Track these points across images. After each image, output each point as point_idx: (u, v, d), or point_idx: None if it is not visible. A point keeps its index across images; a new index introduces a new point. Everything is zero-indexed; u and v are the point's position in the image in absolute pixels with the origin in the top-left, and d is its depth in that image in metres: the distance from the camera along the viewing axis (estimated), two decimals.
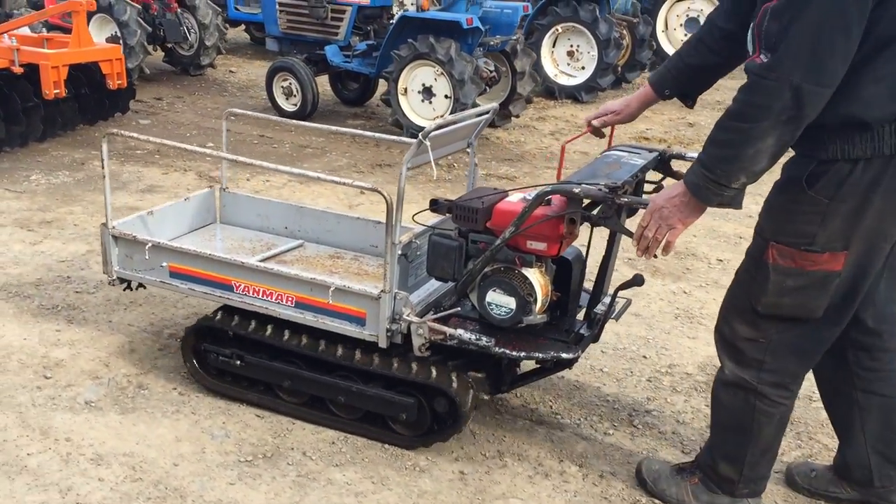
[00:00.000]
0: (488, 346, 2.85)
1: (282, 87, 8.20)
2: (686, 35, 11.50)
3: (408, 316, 2.95)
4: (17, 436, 2.99)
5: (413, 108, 7.50)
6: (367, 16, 8.26)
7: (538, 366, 3.11)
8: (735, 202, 2.38)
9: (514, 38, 7.88)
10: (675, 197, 2.42)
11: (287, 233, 3.98)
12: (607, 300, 3.02)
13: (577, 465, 2.98)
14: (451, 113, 7.22)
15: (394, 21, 7.73)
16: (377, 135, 3.80)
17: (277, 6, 8.42)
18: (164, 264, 3.38)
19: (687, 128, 8.55)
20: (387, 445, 3.04)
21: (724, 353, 2.60)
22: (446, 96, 7.26)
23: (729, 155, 2.26)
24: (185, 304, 4.05)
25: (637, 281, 2.78)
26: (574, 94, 9.59)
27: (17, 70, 6.34)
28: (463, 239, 2.94)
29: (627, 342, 3.84)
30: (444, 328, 2.92)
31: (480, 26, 7.17)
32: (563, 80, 9.69)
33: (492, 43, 7.64)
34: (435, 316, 2.95)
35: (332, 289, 3.06)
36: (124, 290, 3.55)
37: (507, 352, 2.87)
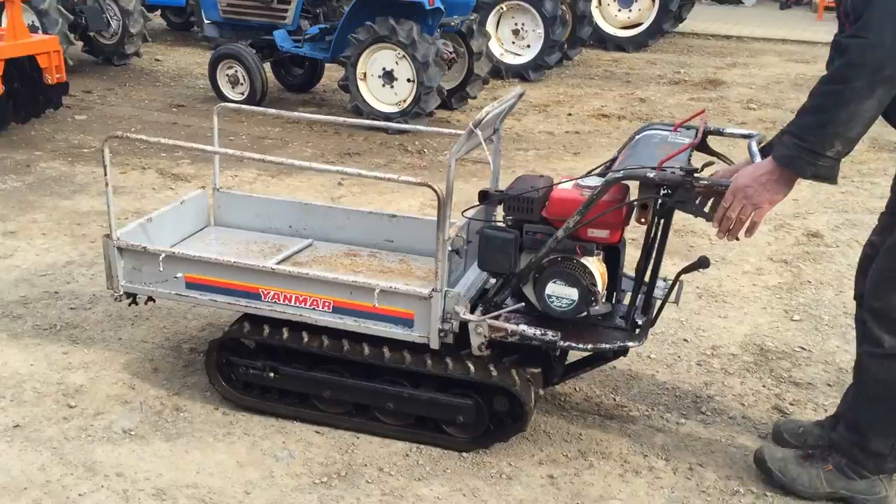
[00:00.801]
0: (554, 340, 2.71)
1: (227, 75, 7.80)
2: (619, 10, 11.54)
3: (464, 314, 2.76)
4: (60, 475, 2.69)
5: (373, 93, 7.22)
6: None
7: (588, 356, 2.96)
8: (831, 174, 2.28)
9: (472, 17, 7.69)
10: (762, 174, 2.33)
11: (292, 232, 3.72)
12: (660, 283, 2.92)
13: (663, 459, 2.87)
14: (414, 97, 7.02)
15: (347, 3, 7.44)
16: (420, 127, 3.55)
17: None
18: (180, 275, 3.09)
19: (639, 103, 8.54)
20: (464, 454, 2.87)
21: (880, 328, 2.50)
22: (409, 80, 7.02)
23: (822, 120, 2.20)
24: (195, 315, 3.76)
25: (703, 263, 2.66)
26: (521, 73, 9.47)
27: None
28: (517, 230, 2.76)
29: (663, 326, 3.74)
30: (506, 325, 2.76)
31: (441, 7, 6.95)
32: (510, 60, 9.55)
33: (452, 24, 7.43)
34: (496, 313, 2.76)
35: (377, 291, 2.84)
36: (129, 304, 3.23)
37: (573, 344, 2.75)
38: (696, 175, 2.45)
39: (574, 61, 10.57)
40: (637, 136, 2.98)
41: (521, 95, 3.29)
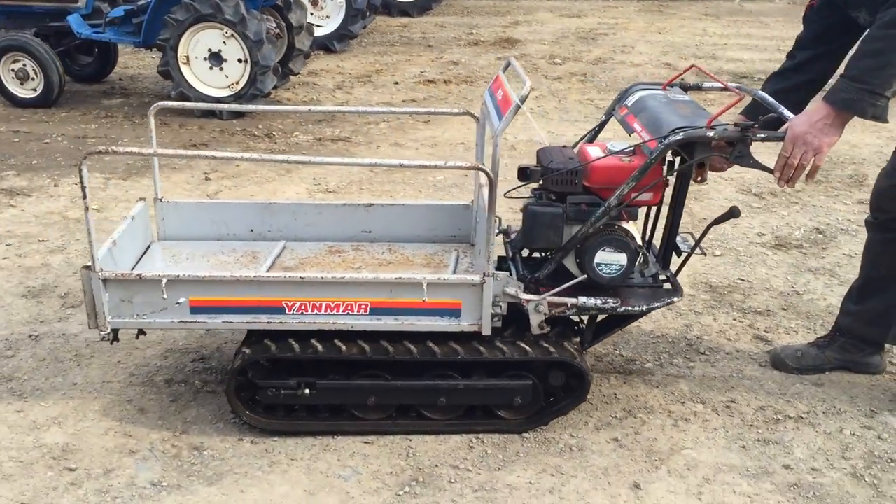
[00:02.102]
0: (615, 307, 2.80)
1: (12, 70, 6.85)
2: None
3: (519, 294, 2.77)
4: None
5: (199, 78, 6.70)
6: None
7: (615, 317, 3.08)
8: (884, 114, 2.57)
9: None
10: (818, 120, 2.56)
11: (254, 236, 3.46)
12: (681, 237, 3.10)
13: (700, 402, 3.07)
14: (249, 78, 6.62)
15: None
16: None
17: None
18: (183, 300, 2.78)
19: (454, 66, 8.70)
20: (525, 435, 2.88)
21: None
22: (240, 60, 6.60)
23: (881, 63, 2.48)
24: (147, 343, 3.37)
25: (734, 213, 2.87)
26: (325, 45, 9.25)
27: None
28: (561, 203, 2.80)
29: None
30: (566, 300, 2.79)
31: None
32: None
33: None
34: (559, 289, 2.80)
35: (426, 284, 2.75)
36: (112, 343, 2.86)
37: (630, 309, 2.84)
38: (753, 129, 2.62)
39: (367, 29, 10.50)
40: (631, 98, 3.06)
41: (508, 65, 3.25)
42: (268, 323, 2.81)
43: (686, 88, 3.14)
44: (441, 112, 3.41)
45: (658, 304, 2.87)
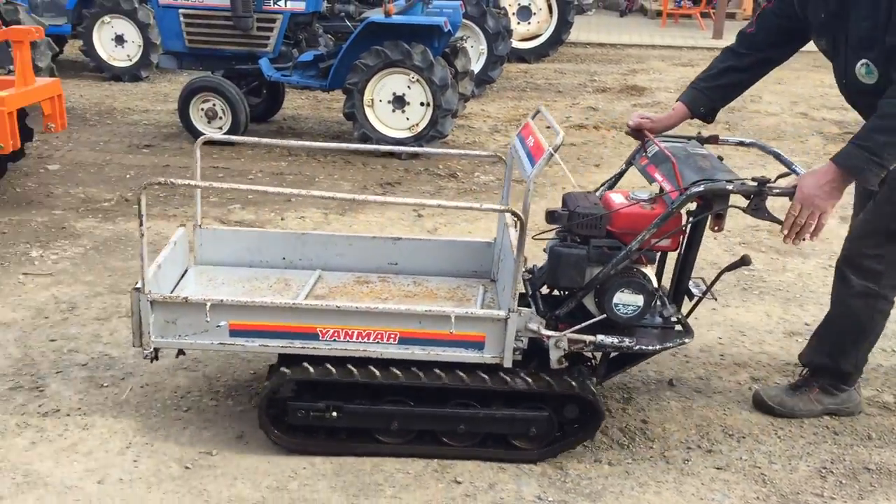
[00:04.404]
0: (631, 346, 2.97)
1: (201, 109, 7.08)
2: (519, 23, 11.78)
3: (541, 330, 2.93)
4: None
5: (381, 120, 6.94)
6: (299, 23, 7.45)
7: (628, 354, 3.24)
8: (879, 181, 2.75)
9: (461, 37, 7.62)
10: (826, 182, 2.74)
11: (286, 264, 3.63)
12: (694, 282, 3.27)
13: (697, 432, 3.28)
14: (430, 121, 6.90)
15: (356, 27, 7.08)
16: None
17: (181, 17, 7.21)
18: (224, 323, 2.95)
19: (594, 112, 8.78)
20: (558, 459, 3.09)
21: (852, 271, 3.12)
22: (422, 103, 6.85)
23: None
24: (174, 367, 3.53)
25: (745, 261, 3.05)
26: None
27: None
28: (586, 246, 2.98)
29: None
30: (585, 337, 2.96)
31: (451, 30, 6.87)
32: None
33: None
34: (579, 327, 2.96)
35: (454, 317, 2.93)
36: (152, 361, 3.04)
37: (644, 348, 3.01)
38: (769, 185, 2.81)
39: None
40: (651, 149, 3.23)
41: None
42: (302, 348, 2.98)
43: (703, 141, 3.33)
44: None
45: (670, 345, 3.04)
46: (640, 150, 3.35)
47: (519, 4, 11.80)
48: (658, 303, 3.06)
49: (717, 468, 3.07)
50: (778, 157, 3.14)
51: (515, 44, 11.45)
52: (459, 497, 2.87)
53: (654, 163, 3.18)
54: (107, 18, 9.61)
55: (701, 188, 2.83)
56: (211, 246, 3.60)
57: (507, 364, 2.97)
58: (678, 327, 3.14)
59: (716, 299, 3.41)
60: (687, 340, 3.08)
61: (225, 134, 6.96)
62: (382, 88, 6.89)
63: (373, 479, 2.93)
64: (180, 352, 3.16)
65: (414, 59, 6.69)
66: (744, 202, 2.90)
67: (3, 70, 6.73)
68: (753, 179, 2.84)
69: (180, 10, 7.21)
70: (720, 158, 3.12)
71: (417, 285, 3.54)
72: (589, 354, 3.22)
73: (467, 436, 3.07)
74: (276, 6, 7.15)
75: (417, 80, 6.81)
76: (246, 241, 3.62)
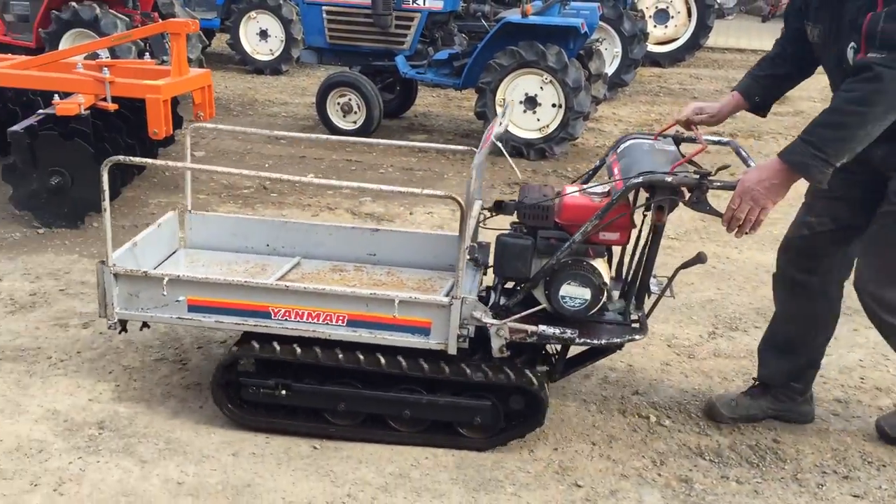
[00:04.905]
0: (573, 338, 2.94)
1: (338, 103, 7.42)
2: (655, 26, 11.61)
3: (483, 318, 2.94)
4: None
5: (512, 120, 6.93)
6: (436, 22, 7.66)
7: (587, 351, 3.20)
8: (826, 179, 2.62)
9: (596, 39, 7.64)
10: (767, 178, 2.64)
11: (269, 251, 3.75)
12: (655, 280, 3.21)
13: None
14: (561, 122, 6.92)
15: (492, 27, 7.21)
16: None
17: (324, 14, 7.55)
18: (182, 298, 3.08)
19: (734, 117, 8.42)
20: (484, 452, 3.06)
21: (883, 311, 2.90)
22: (554, 105, 6.89)
23: (843, 136, 2.52)
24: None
25: (701, 259, 2.96)
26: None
27: (110, 106, 5.17)
28: (532, 237, 2.97)
29: None
30: (527, 327, 2.95)
31: (588, 31, 6.96)
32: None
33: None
34: (518, 315, 2.96)
35: (397, 301, 2.97)
36: (119, 332, 3.20)
37: (588, 341, 2.98)
38: (709, 178, 2.74)
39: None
40: (622, 145, 3.22)
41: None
42: (254, 326, 3.08)
43: (679, 141, 3.27)
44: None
45: (618, 340, 2.99)
46: (614, 147, 3.32)
47: (657, 7, 11.62)
48: (607, 298, 3.01)
49: (854, 496, 2.90)
50: (738, 152, 3.05)
51: (651, 47, 11.18)
52: (580, 500, 2.84)
53: (619, 158, 3.16)
54: (253, 14, 10.25)
55: (639, 179, 2.79)
56: (200, 230, 3.76)
57: (452, 351, 2.98)
58: (634, 325, 3.08)
59: (674, 297, 3.31)
60: (637, 337, 3.01)
61: (357, 128, 7.29)
62: (515, 89, 6.90)
63: (493, 475, 2.95)
64: (144, 325, 3.31)
65: (548, 60, 6.69)
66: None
67: (157, 60, 7.16)
68: (696, 173, 2.77)
69: (324, 7, 7.53)
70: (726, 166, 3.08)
71: (390, 275, 3.59)
72: (551, 349, 3.22)
73: (413, 421, 3.09)
74: (414, 5, 7.34)
75: (551, 82, 6.81)
76: (232, 227, 3.76)
